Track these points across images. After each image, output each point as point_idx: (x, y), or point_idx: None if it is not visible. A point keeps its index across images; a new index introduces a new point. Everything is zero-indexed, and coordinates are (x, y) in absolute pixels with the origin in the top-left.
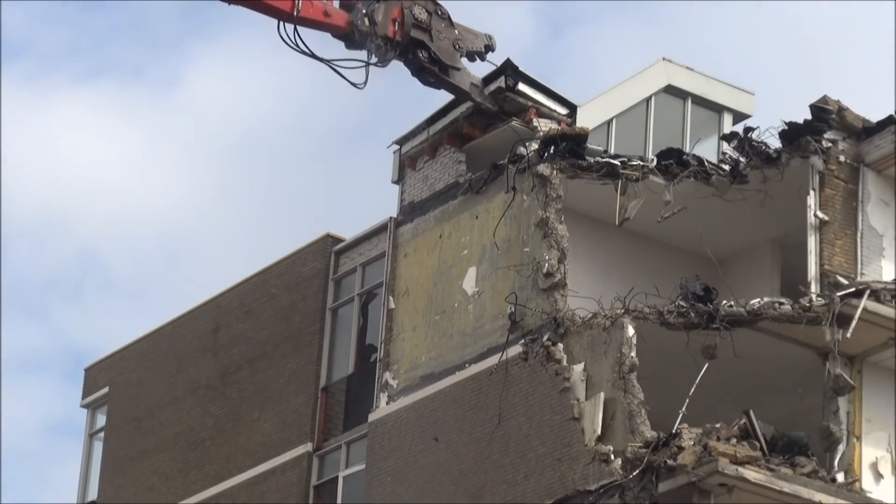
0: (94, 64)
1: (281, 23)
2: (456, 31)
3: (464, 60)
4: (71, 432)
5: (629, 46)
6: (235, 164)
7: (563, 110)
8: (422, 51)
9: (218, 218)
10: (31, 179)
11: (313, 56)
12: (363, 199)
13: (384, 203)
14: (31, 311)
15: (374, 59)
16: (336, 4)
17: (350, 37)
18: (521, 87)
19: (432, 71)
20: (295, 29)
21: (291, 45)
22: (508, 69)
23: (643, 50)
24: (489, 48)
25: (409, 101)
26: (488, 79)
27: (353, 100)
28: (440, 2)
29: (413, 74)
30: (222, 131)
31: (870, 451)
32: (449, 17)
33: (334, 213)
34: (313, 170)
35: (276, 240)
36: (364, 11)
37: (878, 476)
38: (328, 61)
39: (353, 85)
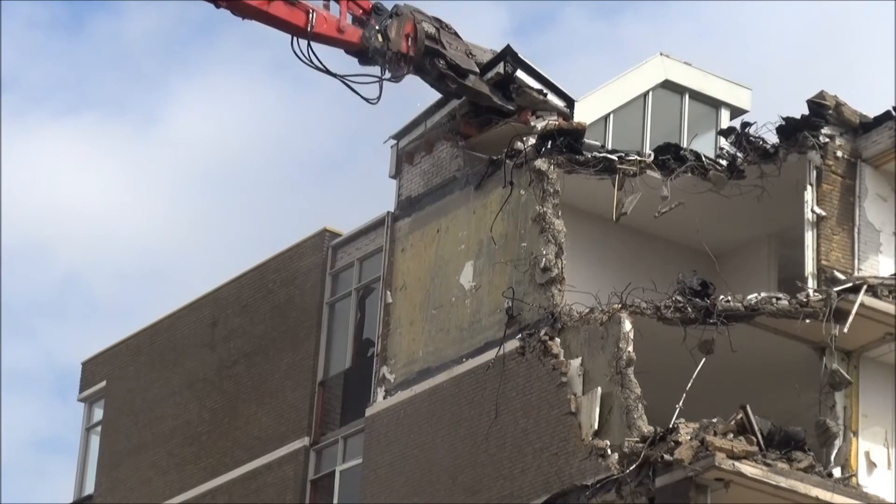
0: (77, 99)
1: (295, 39)
2: (465, 43)
3: None
4: (57, 449)
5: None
6: (214, 194)
7: (560, 102)
8: (438, 59)
9: (197, 242)
10: (18, 209)
11: (326, 71)
12: (360, 194)
13: (382, 198)
14: (19, 331)
15: (387, 75)
16: (349, 20)
17: (363, 53)
18: (520, 74)
19: (451, 76)
20: (309, 45)
21: (305, 60)
22: (508, 55)
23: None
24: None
25: (380, 134)
26: (488, 65)
27: (328, 130)
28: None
29: (432, 85)
30: (202, 163)
31: (866, 447)
32: (456, 33)
33: (328, 213)
34: (292, 198)
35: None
36: (377, 28)
37: (871, 465)
38: (341, 77)
39: (367, 100)
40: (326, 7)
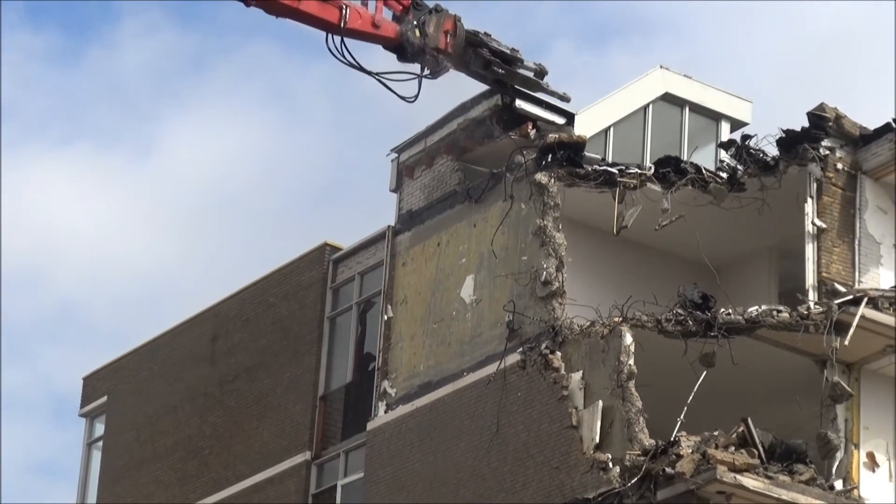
0: (72, 130)
1: (329, 36)
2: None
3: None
4: (56, 472)
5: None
6: (210, 220)
7: (561, 121)
8: (481, 48)
9: (193, 266)
10: (16, 236)
11: (361, 69)
12: (360, 208)
13: (382, 212)
14: (17, 356)
15: (426, 72)
16: (389, 17)
17: (402, 49)
18: (518, 103)
19: (497, 62)
20: (342, 41)
21: (339, 57)
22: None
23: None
24: (541, 73)
25: (373, 165)
26: (482, 97)
27: (325, 155)
28: None
29: (477, 77)
30: (197, 192)
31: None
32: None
33: (331, 223)
34: (289, 224)
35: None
36: (415, 22)
37: (874, 465)
38: (377, 74)
39: (403, 99)
40: (364, 4)
